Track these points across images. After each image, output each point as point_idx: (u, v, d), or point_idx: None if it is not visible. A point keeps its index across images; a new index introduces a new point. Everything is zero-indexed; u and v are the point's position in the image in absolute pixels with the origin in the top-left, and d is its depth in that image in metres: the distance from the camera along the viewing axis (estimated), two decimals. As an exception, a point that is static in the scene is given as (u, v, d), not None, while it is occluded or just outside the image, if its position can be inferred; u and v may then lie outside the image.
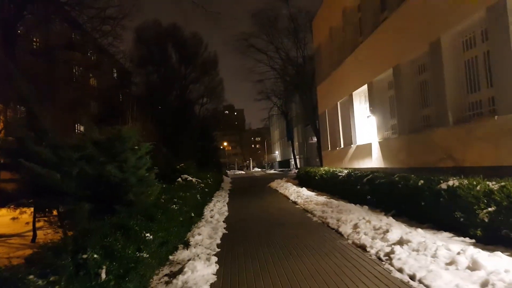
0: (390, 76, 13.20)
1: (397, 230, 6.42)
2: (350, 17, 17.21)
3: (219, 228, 8.46)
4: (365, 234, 6.71)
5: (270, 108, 50.22)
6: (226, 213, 11.04)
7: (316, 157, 38.39)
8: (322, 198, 12.55)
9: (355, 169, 13.37)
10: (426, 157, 10.61)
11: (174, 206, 6.50)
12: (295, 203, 12.94)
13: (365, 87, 15.33)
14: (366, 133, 15.74)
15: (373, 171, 11.29)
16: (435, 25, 10.02)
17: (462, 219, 6.07)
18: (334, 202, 11.03)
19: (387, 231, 6.43)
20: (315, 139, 36.52)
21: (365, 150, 15.33)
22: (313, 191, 15.13)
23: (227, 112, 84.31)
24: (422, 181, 7.53)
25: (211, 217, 9.83)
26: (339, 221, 8.23)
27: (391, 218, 7.83)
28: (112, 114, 21.24)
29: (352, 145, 17.16)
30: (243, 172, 66.26)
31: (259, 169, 75.95)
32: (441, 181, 6.92)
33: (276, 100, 46.97)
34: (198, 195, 9.93)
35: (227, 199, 15.19)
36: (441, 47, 9.74)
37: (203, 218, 9.42)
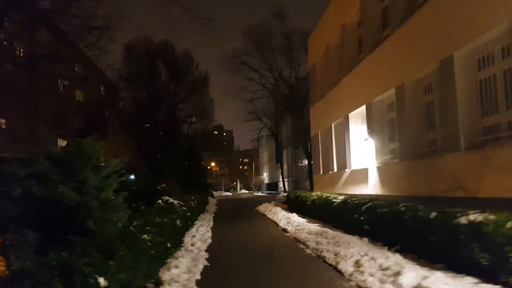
0: (391, 97, 12.33)
1: (411, 272, 5.39)
2: (349, 34, 16.38)
3: (200, 259, 7.36)
4: (371, 275, 5.68)
5: (260, 129, 49.51)
6: (210, 240, 9.93)
7: (305, 180, 37.44)
8: (315, 227, 11.48)
9: (351, 196, 12.37)
10: (432, 185, 9.66)
11: (146, 236, 5.40)
12: (285, 230, 11.85)
13: (363, 108, 14.44)
14: (362, 157, 14.79)
15: (371, 198, 10.29)
16: (447, 41, 9.15)
17: (488, 262, 5.09)
18: (330, 232, 9.97)
19: (399, 273, 5.41)
20: (305, 162, 35.63)
21: (361, 175, 14.38)
22: (304, 218, 14.06)
23: (216, 132, 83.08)
24: (434, 213, 6.55)
25: (192, 245, 8.69)
26: (337, 255, 7.18)
27: (398, 255, 6.80)
28: (94, 129, 20.18)
29: (346, 170, 16.21)
30: (229, 193, 64.96)
31: (246, 191, 74.46)
32: (458, 214, 5.95)
33: (266, 121, 46.27)
34: (178, 221, 8.80)
35: (211, 223, 14.04)
36: (454, 65, 8.84)
37: (182, 247, 8.28)
